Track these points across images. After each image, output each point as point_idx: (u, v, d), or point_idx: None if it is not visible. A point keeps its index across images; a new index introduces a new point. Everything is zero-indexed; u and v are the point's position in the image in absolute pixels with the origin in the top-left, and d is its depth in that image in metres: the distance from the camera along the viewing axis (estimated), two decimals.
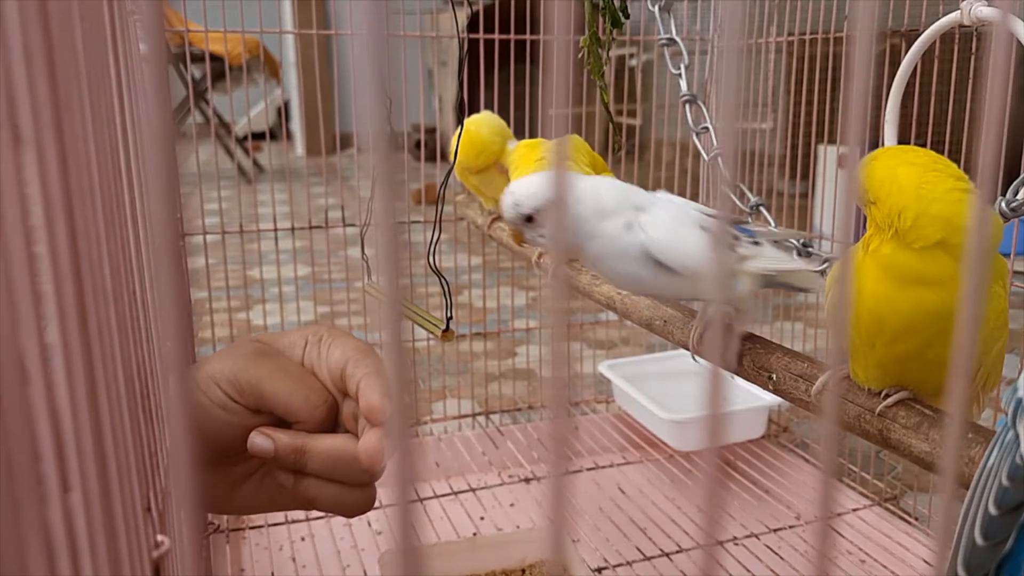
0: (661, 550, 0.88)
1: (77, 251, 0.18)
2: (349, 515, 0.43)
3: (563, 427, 0.15)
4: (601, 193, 0.45)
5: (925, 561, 0.86)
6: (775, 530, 0.93)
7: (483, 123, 0.95)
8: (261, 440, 0.41)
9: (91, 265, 0.20)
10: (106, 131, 0.26)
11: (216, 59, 2.52)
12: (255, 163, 3.28)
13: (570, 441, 1.13)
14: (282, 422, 0.42)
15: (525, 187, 0.42)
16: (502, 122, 0.97)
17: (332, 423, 0.42)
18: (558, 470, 0.15)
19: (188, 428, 0.15)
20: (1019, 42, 0.60)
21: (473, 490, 1.01)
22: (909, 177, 0.45)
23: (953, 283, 0.45)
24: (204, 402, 0.41)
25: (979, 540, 0.32)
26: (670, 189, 1.26)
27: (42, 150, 0.16)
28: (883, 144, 0.72)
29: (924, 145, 0.95)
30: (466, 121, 0.88)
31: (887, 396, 0.49)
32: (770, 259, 0.54)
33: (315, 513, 0.96)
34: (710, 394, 0.15)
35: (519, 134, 1.00)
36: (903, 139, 0.75)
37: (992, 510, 0.32)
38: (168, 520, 0.29)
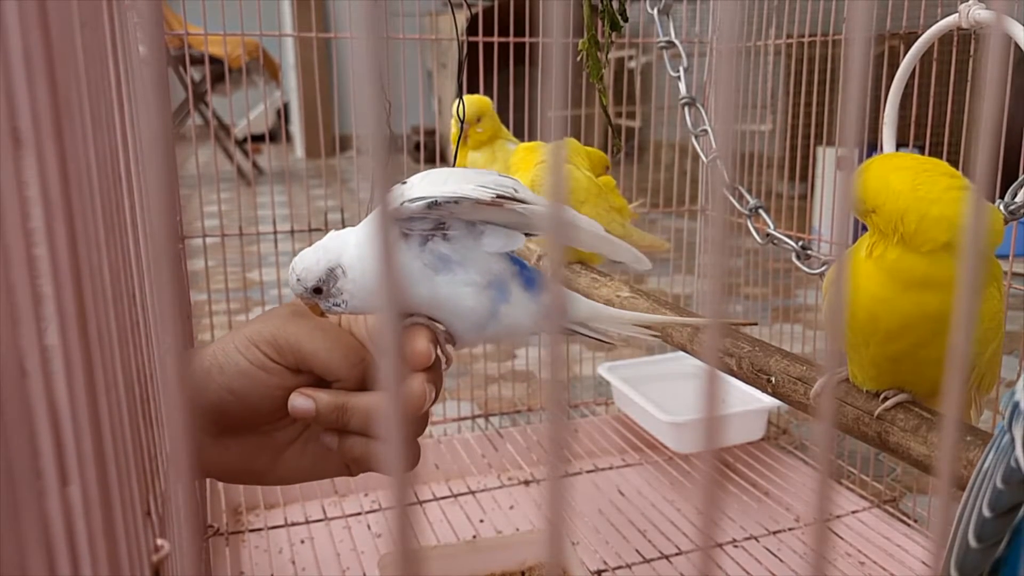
0: (660, 552, 0.88)
1: (77, 254, 0.18)
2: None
3: (561, 430, 0.15)
4: (361, 241, 0.43)
5: (924, 563, 0.86)
6: (774, 532, 0.93)
7: (480, 96, 0.95)
8: (302, 401, 0.41)
9: (91, 268, 0.20)
10: (105, 134, 0.26)
11: (216, 61, 2.52)
12: (255, 165, 3.28)
13: (569, 443, 1.13)
14: (321, 383, 0.42)
15: (302, 261, 0.42)
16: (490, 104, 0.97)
17: (372, 381, 0.42)
18: (556, 472, 0.15)
19: (187, 427, 0.15)
20: (1016, 44, 0.60)
21: (472, 492, 1.01)
22: (903, 181, 0.45)
23: (954, 285, 0.45)
24: (243, 365, 0.41)
25: (972, 542, 0.32)
26: (669, 191, 1.26)
27: (42, 152, 0.16)
28: (882, 146, 0.72)
29: (923, 147, 0.95)
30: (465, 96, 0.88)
31: (886, 398, 0.49)
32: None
33: (314, 515, 0.96)
34: (706, 396, 0.15)
35: (519, 136, 1.00)
36: (902, 141, 0.75)
37: (986, 512, 0.32)
38: (168, 524, 0.29)
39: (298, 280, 0.42)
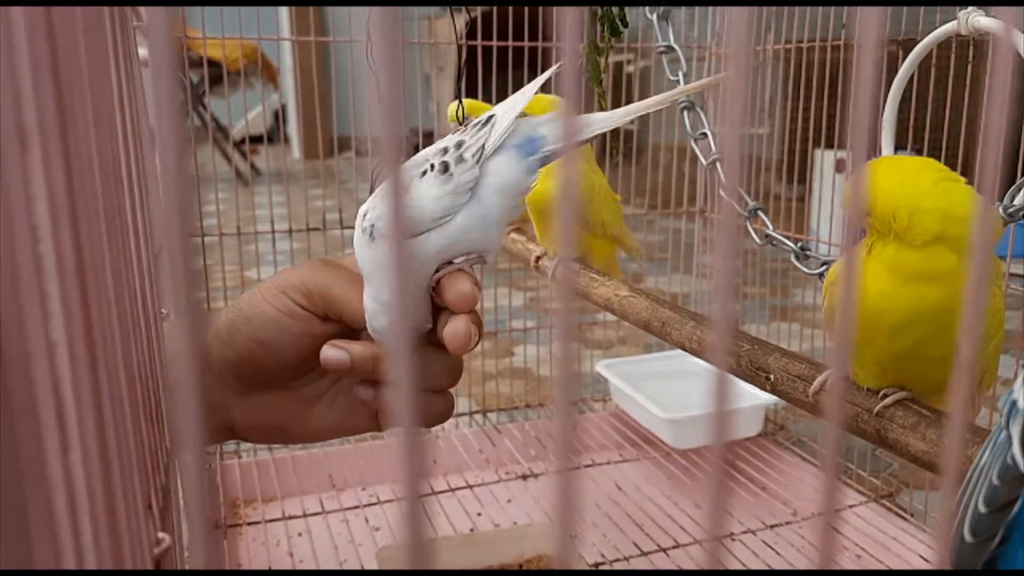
0: (658, 546, 0.89)
1: (81, 250, 0.19)
2: (430, 424, 0.42)
3: (568, 425, 0.15)
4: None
5: (921, 557, 0.86)
6: (772, 526, 0.93)
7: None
8: (335, 352, 0.39)
9: (94, 265, 0.20)
10: (108, 135, 0.26)
11: (214, 64, 2.52)
12: (252, 166, 3.29)
13: (578, 436, 1.13)
14: (348, 334, 0.41)
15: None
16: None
17: None
18: (564, 467, 0.16)
19: (198, 411, 0.15)
20: (1016, 52, 0.60)
21: (471, 487, 1.02)
22: (891, 180, 0.46)
23: (953, 277, 0.45)
24: (271, 312, 0.40)
25: (968, 537, 0.32)
26: (667, 192, 1.27)
27: (47, 152, 0.17)
28: (880, 150, 0.72)
29: (920, 150, 0.96)
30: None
31: (885, 396, 0.50)
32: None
33: (312, 509, 0.96)
34: (715, 393, 0.16)
35: None
36: (900, 145, 0.75)
37: (981, 508, 0.32)
38: (168, 517, 0.29)
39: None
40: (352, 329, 0.41)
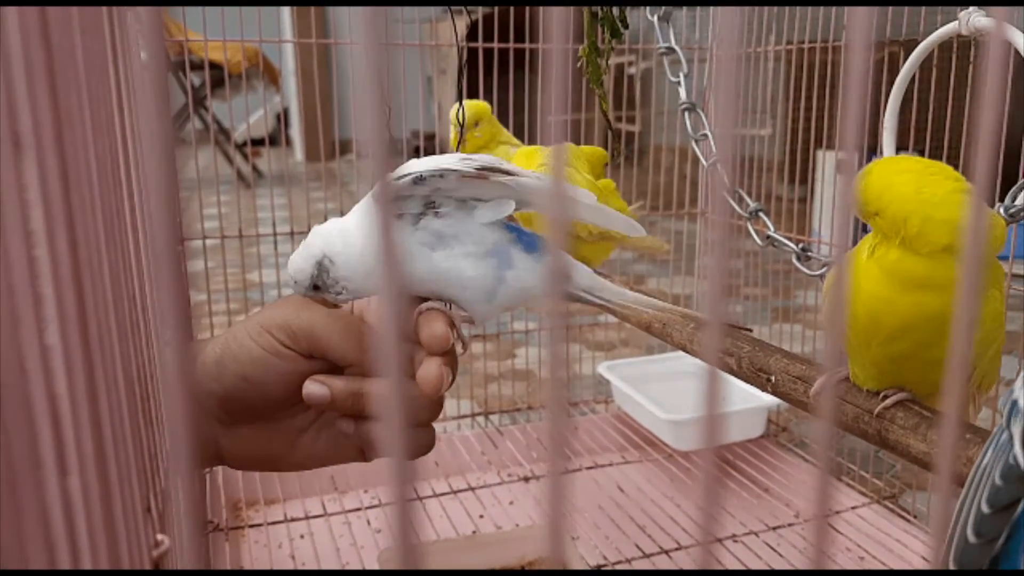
0: (660, 547, 0.89)
1: (77, 255, 0.19)
2: (411, 457, 0.43)
3: (562, 424, 0.15)
4: (349, 228, 0.44)
5: (923, 558, 0.86)
6: (774, 528, 0.93)
7: (478, 102, 0.95)
8: (316, 387, 0.41)
9: (91, 269, 0.20)
10: (106, 139, 0.26)
11: (216, 67, 2.53)
12: (254, 168, 3.29)
13: (569, 440, 1.13)
14: (334, 370, 0.42)
15: (292, 264, 0.43)
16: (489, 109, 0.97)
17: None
18: (556, 468, 0.16)
19: (189, 424, 0.15)
20: (1016, 51, 0.60)
21: (472, 489, 1.02)
22: (907, 184, 0.46)
23: (954, 286, 0.45)
24: (256, 352, 0.41)
25: (971, 538, 0.32)
26: (669, 194, 1.27)
27: (42, 156, 0.17)
28: (881, 150, 0.72)
29: (922, 151, 0.95)
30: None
31: (886, 397, 0.50)
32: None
33: (314, 511, 0.96)
34: (707, 394, 0.16)
35: (519, 139, 1.00)
36: (901, 146, 0.75)
37: (985, 508, 0.32)
38: (168, 520, 0.29)
39: (295, 283, 0.43)
40: (338, 364, 0.42)
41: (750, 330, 0.60)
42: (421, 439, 0.42)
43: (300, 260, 0.43)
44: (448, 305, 0.43)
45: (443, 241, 0.42)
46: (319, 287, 0.42)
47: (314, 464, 0.45)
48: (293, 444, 0.44)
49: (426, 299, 0.42)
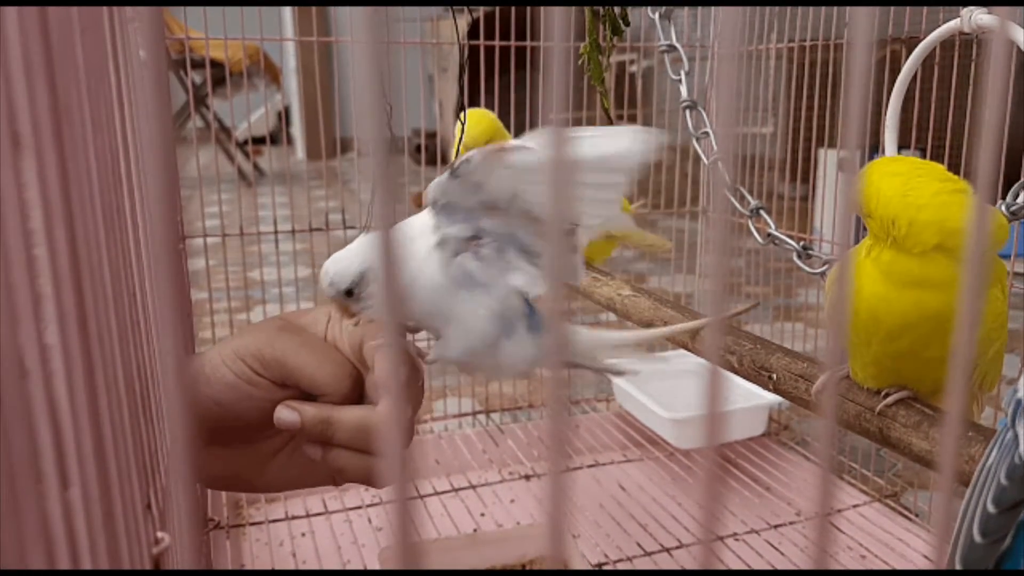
0: (661, 545, 0.89)
1: (77, 254, 0.19)
2: (379, 485, 0.44)
3: (563, 422, 0.15)
4: (403, 245, 0.43)
5: (925, 557, 0.86)
6: (776, 526, 0.93)
7: (486, 112, 0.95)
8: (287, 413, 0.41)
9: (91, 268, 0.20)
10: (106, 137, 0.26)
11: (216, 65, 2.53)
12: (256, 167, 3.29)
13: (570, 439, 1.13)
14: (308, 396, 0.42)
15: (336, 264, 0.43)
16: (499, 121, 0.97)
17: (358, 396, 0.43)
18: (558, 466, 0.15)
19: (187, 425, 0.15)
20: (1018, 48, 0.60)
21: (474, 487, 1.02)
22: (893, 187, 0.46)
23: (952, 285, 0.45)
24: (229, 378, 0.41)
25: (977, 537, 0.32)
26: (670, 192, 1.27)
27: (41, 155, 0.17)
28: (883, 149, 0.72)
29: (924, 150, 0.95)
30: (468, 111, 0.88)
31: (887, 395, 0.50)
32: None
33: (315, 509, 0.96)
34: (709, 392, 0.16)
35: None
36: (903, 144, 0.75)
37: (990, 508, 0.32)
38: (168, 517, 0.29)
39: (331, 283, 0.42)
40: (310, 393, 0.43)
41: (756, 305, 0.61)
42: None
43: (346, 263, 0.42)
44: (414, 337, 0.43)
45: (471, 284, 0.43)
46: (351, 293, 0.42)
47: (286, 487, 0.46)
48: (265, 466, 0.45)
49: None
